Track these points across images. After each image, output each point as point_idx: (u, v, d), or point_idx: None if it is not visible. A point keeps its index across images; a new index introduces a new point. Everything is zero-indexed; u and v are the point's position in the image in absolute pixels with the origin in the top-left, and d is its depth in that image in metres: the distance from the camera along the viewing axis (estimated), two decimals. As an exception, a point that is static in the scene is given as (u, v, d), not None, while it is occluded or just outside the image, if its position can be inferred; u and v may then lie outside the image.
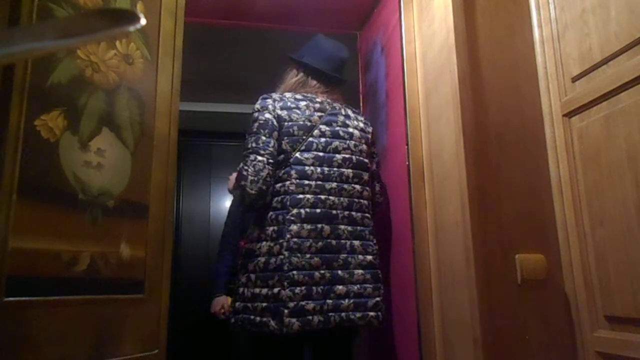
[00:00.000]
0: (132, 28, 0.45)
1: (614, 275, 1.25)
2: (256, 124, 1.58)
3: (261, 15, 2.35)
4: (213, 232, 4.05)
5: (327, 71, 1.73)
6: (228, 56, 2.98)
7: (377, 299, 1.58)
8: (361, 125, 1.73)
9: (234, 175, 1.79)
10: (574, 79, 1.41)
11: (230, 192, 1.86)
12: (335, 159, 1.61)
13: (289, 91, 1.70)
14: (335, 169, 1.61)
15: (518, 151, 1.47)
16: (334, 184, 1.59)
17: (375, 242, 1.65)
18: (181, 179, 3.96)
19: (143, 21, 0.45)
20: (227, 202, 4.13)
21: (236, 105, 3.70)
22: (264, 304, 1.47)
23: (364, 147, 1.70)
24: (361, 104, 2.43)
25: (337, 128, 1.66)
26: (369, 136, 1.75)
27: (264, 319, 1.46)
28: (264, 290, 1.48)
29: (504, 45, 1.54)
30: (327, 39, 1.82)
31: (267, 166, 1.52)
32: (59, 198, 1.10)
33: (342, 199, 1.60)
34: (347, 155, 1.64)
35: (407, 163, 1.76)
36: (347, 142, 1.66)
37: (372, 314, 1.55)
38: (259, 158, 1.52)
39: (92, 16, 0.49)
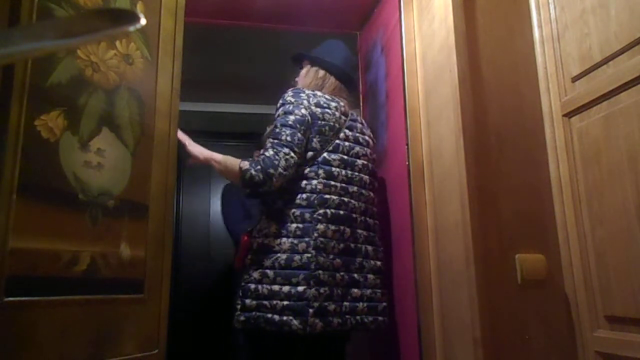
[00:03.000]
0: (132, 28, 0.45)
1: (614, 275, 1.25)
2: (292, 117, 1.55)
3: (261, 15, 2.35)
4: (213, 232, 4.05)
5: (348, 72, 1.78)
6: (228, 56, 2.98)
7: (385, 303, 1.61)
8: (370, 134, 1.79)
9: (187, 145, 1.68)
10: (574, 79, 1.41)
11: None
12: (356, 163, 1.65)
13: (312, 89, 1.69)
14: (356, 173, 1.64)
15: (518, 151, 1.47)
16: (355, 188, 1.62)
17: (382, 248, 1.69)
18: (181, 179, 3.96)
19: (143, 21, 0.45)
20: (227, 202, 4.13)
21: (236, 105, 3.70)
22: (285, 302, 1.43)
23: (374, 156, 1.77)
24: (361, 104, 2.43)
25: (357, 134, 1.70)
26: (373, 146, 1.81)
27: (285, 318, 1.41)
28: (286, 288, 1.44)
29: (504, 45, 1.54)
30: (339, 42, 1.84)
31: (294, 165, 1.52)
32: (59, 198, 1.10)
33: (360, 203, 1.63)
34: (365, 162, 1.68)
35: (407, 163, 1.76)
36: (365, 149, 1.71)
37: (380, 318, 1.59)
38: (292, 155, 1.50)
39: (92, 16, 0.49)
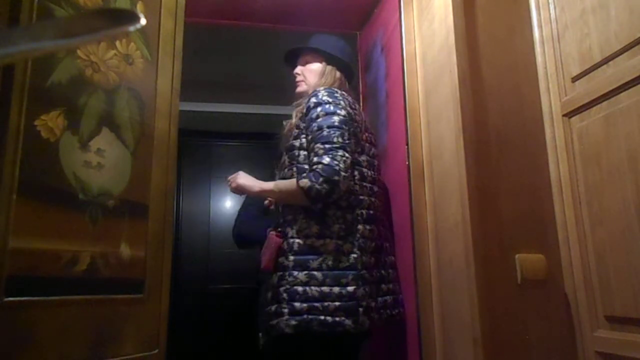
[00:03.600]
0: (132, 28, 0.45)
1: (614, 275, 1.25)
2: (337, 118, 1.52)
3: (261, 15, 2.35)
4: (213, 232, 4.05)
5: (353, 69, 1.84)
6: (228, 56, 2.98)
7: (402, 295, 1.69)
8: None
9: (237, 176, 1.71)
10: (574, 79, 1.41)
11: (235, 191, 1.76)
12: (375, 164, 1.69)
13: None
14: (375, 173, 1.68)
15: (518, 151, 1.47)
16: (377, 188, 1.66)
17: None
18: (181, 179, 3.96)
19: (143, 21, 0.45)
20: (227, 202, 4.13)
21: (236, 105, 3.70)
22: (337, 304, 1.42)
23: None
24: (361, 104, 2.43)
25: (370, 134, 1.72)
26: None
27: (337, 319, 1.40)
28: (336, 289, 1.43)
29: (504, 45, 1.54)
30: (337, 37, 1.86)
31: (352, 165, 1.52)
32: (59, 198, 1.10)
33: (379, 202, 1.68)
34: (377, 162, 1.72)
35: (407, 163, 1.76)
36: (375, 149, 1.74)
37: (402, 309, 1.68)
38: (347, 155, 1.49)
39: (92, 16, 0.49)
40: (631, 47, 1.21)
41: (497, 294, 1.35)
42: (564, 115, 1.45)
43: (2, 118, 1.00)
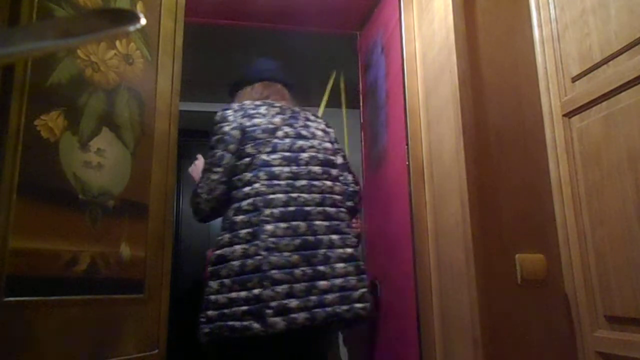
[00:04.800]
0: (132, 28, 0.45)
1: (614, 275, 1.25)
2: (213, 138, 1.62)
3: (261, 15, 2.35)
4: (213, 232, 4.04)
5: (274, 75, 1.85)
6: (228, 56, 2.98)
7: (363, 290, 1.57)
8: (322, 126, 1.79)
9: (196, 164, 1.83)
10: (574, 79, 1.41)
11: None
12: (301, 157, 1.64)
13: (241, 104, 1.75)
14: (303, 167, 1.64)
15: (518, 151, 1.47)
16: (304, 182, 1.61)
17: (352, 235, 1.67)
18: (181, 179, 3.96)
19: (143, 21, 0.45)
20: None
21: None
22: (244, 308, 1.43)
23: (328, 144, 1.75)
24: (361, 104, 2.43)
25: (299, 128, 1.70)
26: (332, 135, 1.81)
27: (245, 323, 1.42)
28: (243, 294, 1.45)
29: (504, 45, 1.54)
30: (260, 59, 1.98)
31: (220, 181, 1.58)
32: (59, 198, 1.10)
33: (313, 195, 1.62)
34: (312, 153, 1.67)
35: (407, 163, 1.76)
36: (311, 140, 1.70)
37: (358, 305, 1.55)
38: (211, 176, 1.57)
39: (92, 16, 0.49)
40: (631, 47, 1.21)
41: (497, 294, 1.35)
42: (564, 115, 1.45)
43: (2, 118, 1.00)
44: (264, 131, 1.62)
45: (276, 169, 1.59)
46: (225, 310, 1.46)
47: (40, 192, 1.06)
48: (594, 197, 1.33)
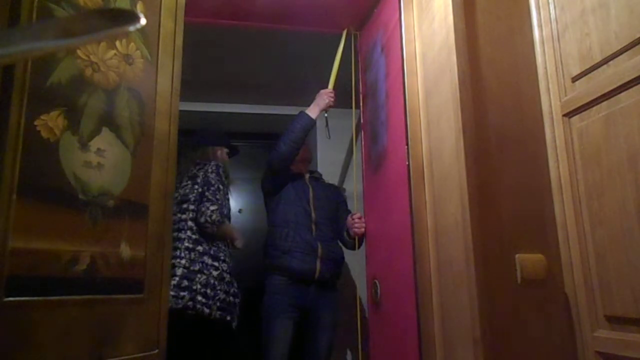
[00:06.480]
0: (132, 28, 0.45)
1: (614, 275, 1.25)
2: None
3: (261, 15, 2.35)
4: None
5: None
6: (228, 56, 2.98)
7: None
8: (197, 173, 2.53)
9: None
10: (574, 79, 1.41)
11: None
12: (183, 207, 2.50)
13: None
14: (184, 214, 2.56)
15: (518, 151, 1.47)
16: (189, 223, 2.55)
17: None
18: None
19: (143, 21, 0.45)
20: (227, 202, 4.13)
21: (236, 106, 3.70)
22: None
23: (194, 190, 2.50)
24: (361, 104, 2.43)
25: (184, 185, 2.52)
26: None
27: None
28: None
29: (504, 45, 1.54)
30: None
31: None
32: (59, 198, 1.10)
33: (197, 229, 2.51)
34: (185, 206, 2.51)
35: (407, 163, 1.76)
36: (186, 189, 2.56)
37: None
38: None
39: (92, 16, 0.49)
40: (631, 47, 1.21)
41: (497, 294, 1.35)
42: (564, 115, 1.45)
43: (2, 118, 0.99)
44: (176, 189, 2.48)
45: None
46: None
47: (40, 192, 1.06)
48: (594, 197, 1.33)
